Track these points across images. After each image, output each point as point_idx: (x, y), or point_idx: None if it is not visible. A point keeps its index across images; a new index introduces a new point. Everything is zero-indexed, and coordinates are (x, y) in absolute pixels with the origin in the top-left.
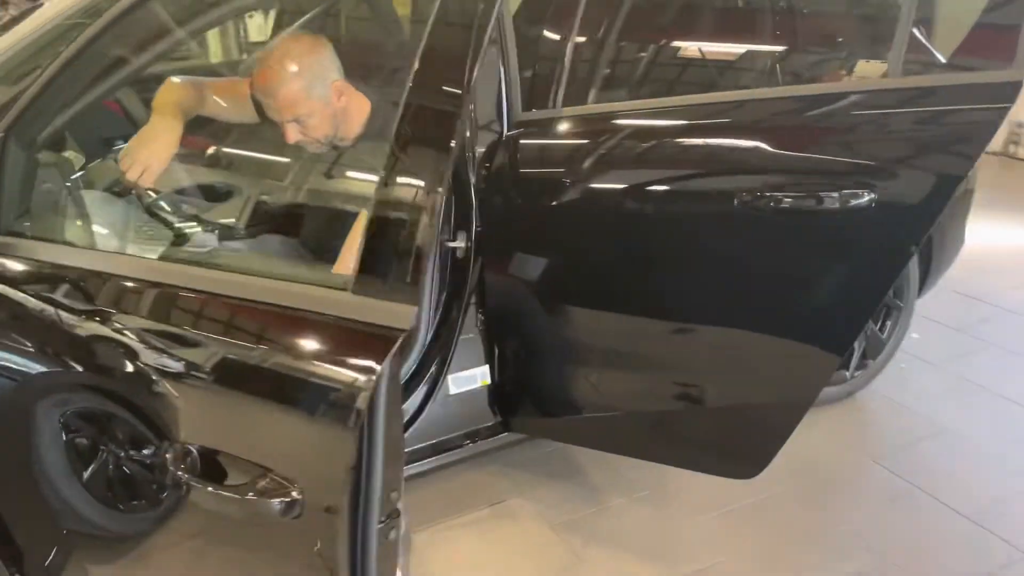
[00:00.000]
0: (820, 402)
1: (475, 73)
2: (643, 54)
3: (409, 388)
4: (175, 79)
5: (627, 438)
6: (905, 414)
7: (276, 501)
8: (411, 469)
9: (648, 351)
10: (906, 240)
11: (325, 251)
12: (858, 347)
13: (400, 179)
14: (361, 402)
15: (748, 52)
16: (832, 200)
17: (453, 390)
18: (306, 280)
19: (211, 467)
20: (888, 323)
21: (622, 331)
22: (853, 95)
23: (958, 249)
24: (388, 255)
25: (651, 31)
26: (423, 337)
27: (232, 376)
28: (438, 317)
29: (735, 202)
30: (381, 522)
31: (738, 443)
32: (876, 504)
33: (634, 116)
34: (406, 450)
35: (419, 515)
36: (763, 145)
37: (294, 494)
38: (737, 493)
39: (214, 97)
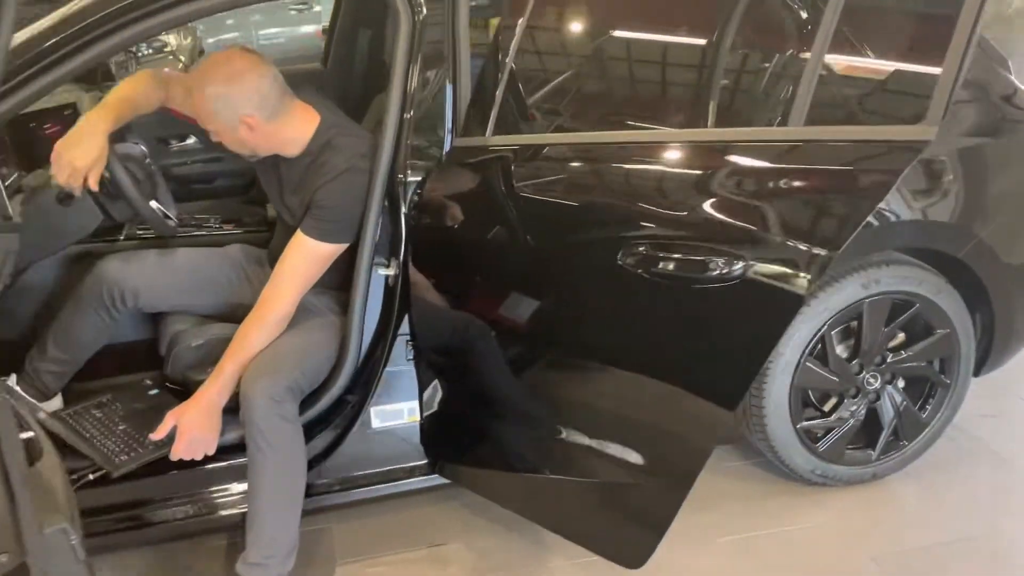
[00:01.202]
0: (838, 482)
1: None
2: (581, 86)
3: (328, 419)
4: (147, 71)
5: (526, 500)
6: (935, 510)
7: None
8: (319, 501)
9: (540, 407)
10: (778, 315)
11: None
12: (887, 426)
13: None
14: None
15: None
16: (711, 265)
17: (376, 424)
18: None
19: None
20: (930, 402)
21: (517, 379)
22: (736, 144)
23: None
24: None
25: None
26: (350, 366)
27: None
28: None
29: (619, 256)
30: None
31: (621, 520)
32: None
33: (559, 149)
34: (321, 481)
35: (354, 546)
36: (654, 195)
37: None
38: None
39: (181, 91)
